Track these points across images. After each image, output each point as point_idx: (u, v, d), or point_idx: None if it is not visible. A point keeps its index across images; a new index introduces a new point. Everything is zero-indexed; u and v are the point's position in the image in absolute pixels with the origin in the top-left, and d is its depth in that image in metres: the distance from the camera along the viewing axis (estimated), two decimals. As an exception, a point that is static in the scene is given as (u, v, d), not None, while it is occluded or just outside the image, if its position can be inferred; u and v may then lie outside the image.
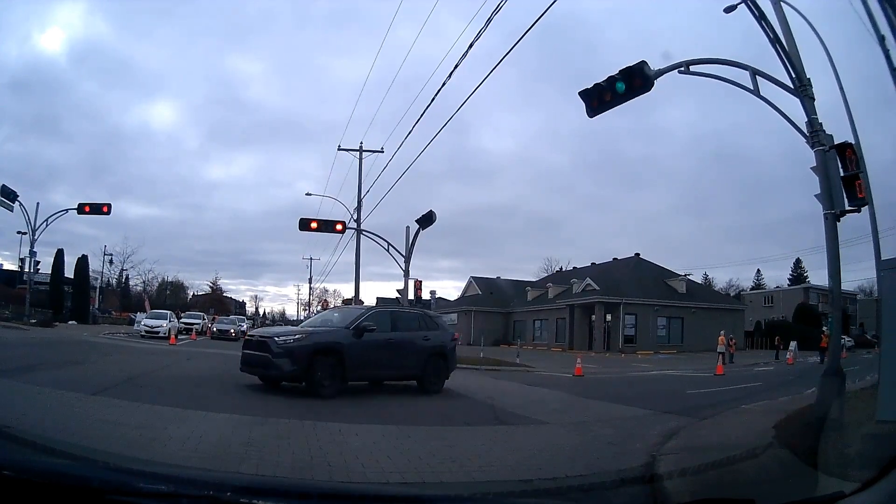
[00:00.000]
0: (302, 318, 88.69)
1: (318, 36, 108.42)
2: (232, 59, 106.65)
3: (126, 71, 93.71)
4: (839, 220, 8.34)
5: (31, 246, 33.44)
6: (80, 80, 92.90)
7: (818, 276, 64.16)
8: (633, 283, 45.88)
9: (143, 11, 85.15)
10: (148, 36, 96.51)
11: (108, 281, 70.14)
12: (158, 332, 29.75)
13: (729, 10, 11.37)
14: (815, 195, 8.60)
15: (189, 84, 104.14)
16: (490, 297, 60.96)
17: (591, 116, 10.04)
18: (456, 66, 13.69)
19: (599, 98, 9.88)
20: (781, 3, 9.27)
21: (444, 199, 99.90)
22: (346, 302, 66.07)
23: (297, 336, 11.20)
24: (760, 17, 8.87)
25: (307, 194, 53.61)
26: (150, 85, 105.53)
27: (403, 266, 25.45)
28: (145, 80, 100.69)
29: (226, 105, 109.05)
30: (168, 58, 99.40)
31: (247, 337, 13.05)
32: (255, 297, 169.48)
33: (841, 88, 11.59)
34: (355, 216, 28.57)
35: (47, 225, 32.89)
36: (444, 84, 14.74)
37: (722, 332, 28.72)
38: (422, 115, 17.27)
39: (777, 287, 76.45)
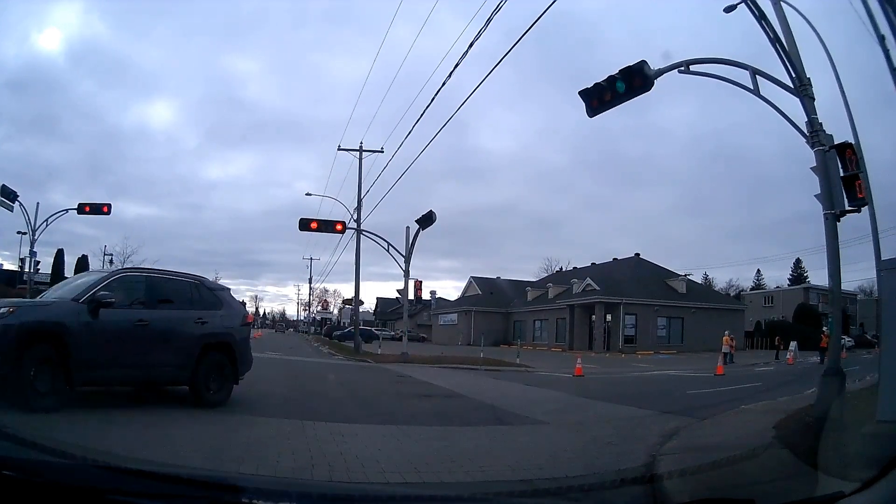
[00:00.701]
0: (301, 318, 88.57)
1: (316, 35, 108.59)
2: (230, 58, 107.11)
3: (124, 70, 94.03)
4: (839, 220, 8.35)
5: (31, 246, 33.43)
6: (78, 80, 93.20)
7: (818, 276, 64.25)
8: (633, 283, 45.88)
9: (140, 11, 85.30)
10: (145, 35, 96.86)
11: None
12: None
13: (729, 9, 11.36)
14: (815, 195, 8.60)
15: (187, 83, 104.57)
16: (490, 297, 60.97)
17: (591, 116, 10.06)
18: (456, 66, 13.73)
19: (599, 98, 9.88)
20: (781, 3, 9.27)
21: (444, 199, 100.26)
22: (347, 302, 66.05)
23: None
24: (760, 17, 8.87)
25: (307, 194, 53.59)
26: (147, 84, 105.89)
27: (403, 266, 25.51)
28: (143, 79, 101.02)
29: (224, 104, 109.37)
30: (165, 57, 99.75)
31: None
32: (256, 297, 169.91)
33: (841, 88, 11.61)
34: (355, 216, 28.63)
35: (47, 225, 32.88)
36: (443, 84, 14.81)
37: (726, 332, 28.73)
38: (421, 116, 17.37)
39: (777, 287, 76.46)
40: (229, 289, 10.83)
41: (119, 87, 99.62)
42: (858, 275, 62.17)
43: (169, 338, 8.41)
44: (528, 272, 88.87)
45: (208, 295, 9.30)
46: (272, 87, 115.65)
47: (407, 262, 25.39)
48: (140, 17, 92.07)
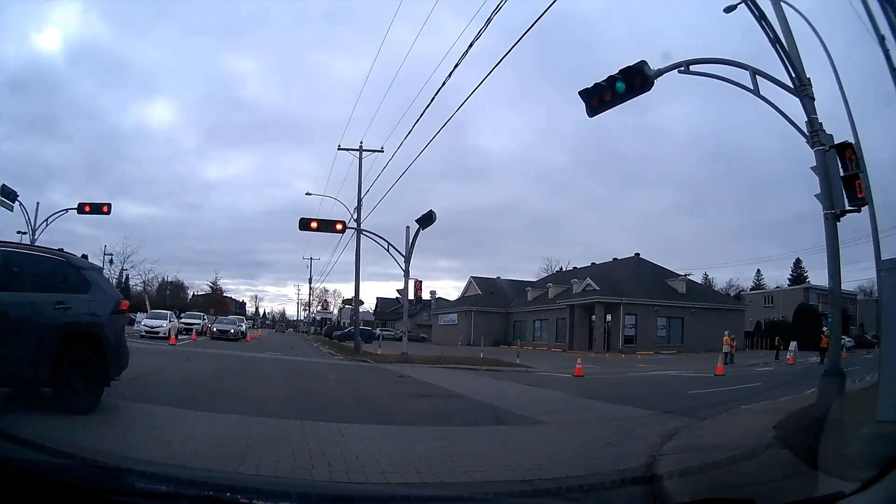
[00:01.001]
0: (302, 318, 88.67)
1: (316, 35, 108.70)
2: (229, 57, 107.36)
3: (123, 70, 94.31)
4: (839, 220, 8.34)
5: (32, 246, 33.44)
6: (77, 80, 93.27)
7: (818, 276, 64.22)
8: (633, 283, 45.89)
9: (140, 11, 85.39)
10: (144, 35, 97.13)
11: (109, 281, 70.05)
12: (158, 333, 29.70)
13: (729, 9, 11.36)
14: (815, 195, 8.60)
15: (186, 83, 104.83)
16: (490, 297, 60.99)
17: (591, 116, 10.05)
18: (455, 67, 13.74)
19: (599, 97, 9.88)
20: (781, 3, 9.27)
21: (444, 199, 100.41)
22: (347, 302, 66.21)
23: None
24: (760, 17, 8.87)
25: (307, 194, 54.01)
26: (147, 84, 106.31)
27: (403, 266, 25.52)
28: (143, 79, 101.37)
29: (223, 104, 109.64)
30: (165, 57, 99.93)
31: None
32: (255, 297, 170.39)
33: (841, 88, 11.61)
34: (355, 216, 28.63)
35: (47, 225, 32.82)
36: (443, 84, 14.83)
37: (726, 332, 28.74)
38: (421, 115, 17.38)
39: (777, 287, 76.45)
40: (101, 268, 8.97)
41: (118, 87, 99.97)
42: (858, 275, 62.30)
43: (20, 327, 6.76)
44: (528, 272, 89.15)
45: (74, 275, 7.62)
46: (272, 87, 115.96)
47: (407, 262, 25.40)
48: (140, 17, 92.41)
